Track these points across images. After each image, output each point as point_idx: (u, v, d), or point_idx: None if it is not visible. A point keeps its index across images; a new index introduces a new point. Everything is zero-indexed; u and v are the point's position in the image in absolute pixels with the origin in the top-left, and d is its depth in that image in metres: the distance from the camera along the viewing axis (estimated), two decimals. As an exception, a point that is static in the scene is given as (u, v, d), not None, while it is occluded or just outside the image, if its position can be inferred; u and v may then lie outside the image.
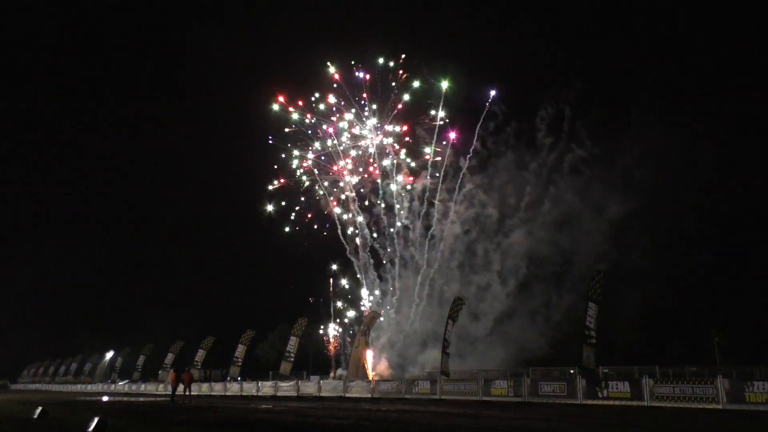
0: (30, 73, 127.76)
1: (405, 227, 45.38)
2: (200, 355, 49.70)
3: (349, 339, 51.61)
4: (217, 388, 41.93)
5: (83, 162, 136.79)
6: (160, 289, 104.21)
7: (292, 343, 41.73)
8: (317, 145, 49.29)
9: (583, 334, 25.39)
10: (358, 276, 49.85)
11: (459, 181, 42.69)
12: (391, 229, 45.95)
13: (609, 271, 28.91)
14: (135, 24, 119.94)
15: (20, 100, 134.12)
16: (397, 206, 45.60)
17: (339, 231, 49.06)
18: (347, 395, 31.77)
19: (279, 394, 36.11)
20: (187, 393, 32.27)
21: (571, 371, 29.40)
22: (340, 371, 46.42)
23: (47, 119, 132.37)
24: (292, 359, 41.39)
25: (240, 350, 45.03)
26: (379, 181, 47.09)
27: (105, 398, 40.62)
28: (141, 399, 38.95)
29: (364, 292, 50.18)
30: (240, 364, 44.91)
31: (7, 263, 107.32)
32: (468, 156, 42.50)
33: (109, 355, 70.37)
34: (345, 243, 48.84)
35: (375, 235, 47.47)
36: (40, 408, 18.42)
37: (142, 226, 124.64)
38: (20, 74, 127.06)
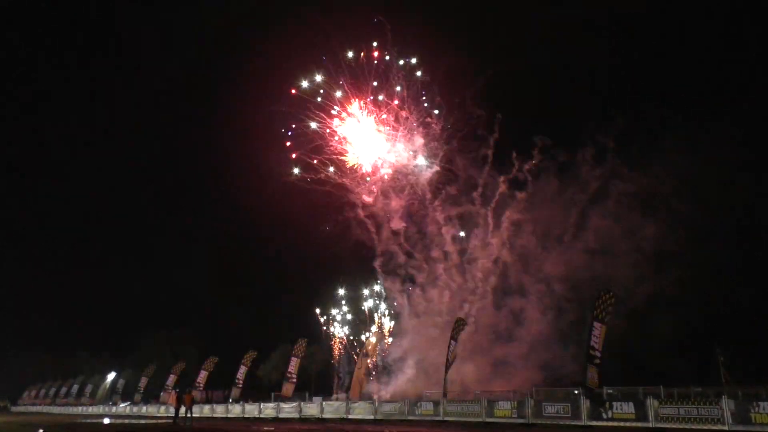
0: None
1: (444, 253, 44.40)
2: (202, 376, 49.42)
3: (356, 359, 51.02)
4: (219, 410, 41.66)
5: (83, 185, 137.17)
6: (162, 310, 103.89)
7: (294, 364, 41.50)
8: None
9: (588, 354, 25.24)
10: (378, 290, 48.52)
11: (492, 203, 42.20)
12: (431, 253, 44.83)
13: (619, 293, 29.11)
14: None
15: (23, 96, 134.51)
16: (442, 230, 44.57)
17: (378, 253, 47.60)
18: (350, 417, 31.55)
19: (281, 415, 35.88)
20: (189, 415, 32.11)
21: (576, 392, 29.17)
22: (342, 395, 46.06)
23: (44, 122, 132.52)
24: (294, 380, 41.12)
25: (242, 371, 44.75)
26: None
27: (106, 420, 40.40)
28: (142, 421, 38.74)
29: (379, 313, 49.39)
30: (241, 385, 44.62)
31: (7, 284, 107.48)
32: (506, 179, 42.09)
33: (111, 376, 70.08)
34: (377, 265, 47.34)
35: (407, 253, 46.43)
36: (41, 430, 18.38)
37: (143, 247, 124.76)
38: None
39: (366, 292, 53.67)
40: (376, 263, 45.23)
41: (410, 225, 44.84)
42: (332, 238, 48.18)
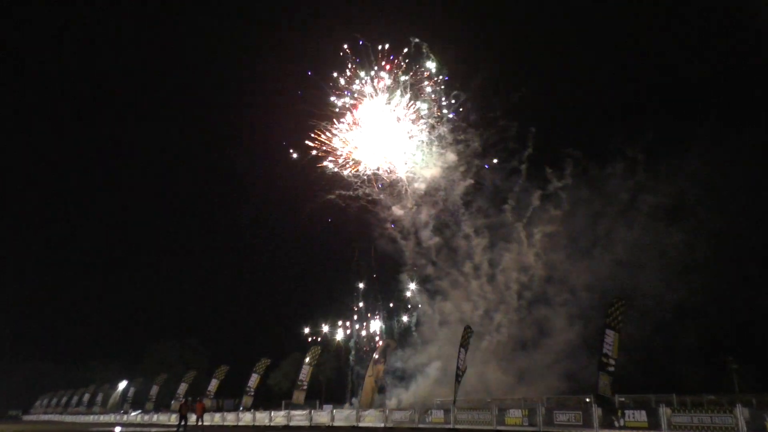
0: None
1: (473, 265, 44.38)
2: (213, 384, 49.52)
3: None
4: (230, 418, 41.71)
5: (94, 197, 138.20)
6: (173, 318, 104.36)
7: (305, 371, 41.53)
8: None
9: (601, 362, 25.13)
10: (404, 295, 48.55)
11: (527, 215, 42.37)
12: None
13: (630, 300, 29.14)
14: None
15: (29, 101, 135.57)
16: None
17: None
18: (360, 425, 31.53)
19: (292, 423, 35.89)
20: (200, 423, 32.26)
21: (587, 400, 29.02)
22: (354, 401, 46.00)
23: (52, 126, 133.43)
24: (305, 388, 41.12)
25: (254, 379, 44.74)
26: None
27: (117, 429, 40.60)
28: (153, 430, 38.90)
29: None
30: (252, 393, 44.64)
31: (20, 295, 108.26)
32: (536, 190, 42.22)
33: (122, 385, 70.28)
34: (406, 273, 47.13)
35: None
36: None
37: (154, 257, 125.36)
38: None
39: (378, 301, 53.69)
40: (404, 273, 45.53)
41: (439, 235, 45.14)
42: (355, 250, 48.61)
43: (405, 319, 50.30)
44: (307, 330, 58.66)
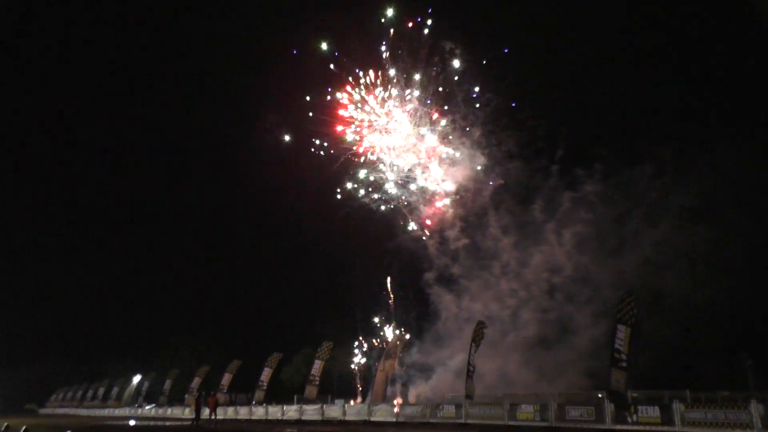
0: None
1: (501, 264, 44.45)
2: (226, 378, 49.85)
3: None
4: (243, 412, 42.04)
5: (107, 193, 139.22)
6: (186, 314, 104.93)
7: (317, 366, 41.67)
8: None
9: (613, 357, 25.02)
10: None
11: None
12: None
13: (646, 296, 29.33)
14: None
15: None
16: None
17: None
18: (372, 419, 31.64)
19: (304, 417, 36.11)
20: (213, 417, 32.53)
21: (600, 395, 28.94)
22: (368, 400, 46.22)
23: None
24: (317, 383, 41.28)
25: (266, 373, 44.96)
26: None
27: (132, 422, 41.05)
28: (167, 423, 39.32)
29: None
30: (265, 388, 44.89)
31: (35, 291, 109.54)
32: (565, 190, 42.22)
33: (136, 379, 70.95)
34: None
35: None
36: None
37: (167, 252, 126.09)
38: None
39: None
40: (429, 276, 45.60)
41: (466, 234, 45.16)
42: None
43: (426, 314, 50.35)
44: (318, 325, 58.99)
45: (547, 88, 44.86)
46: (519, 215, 43.32)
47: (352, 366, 58.68)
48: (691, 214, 37.55)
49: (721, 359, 38.86)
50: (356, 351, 58.76)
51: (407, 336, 50.92)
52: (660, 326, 36.23)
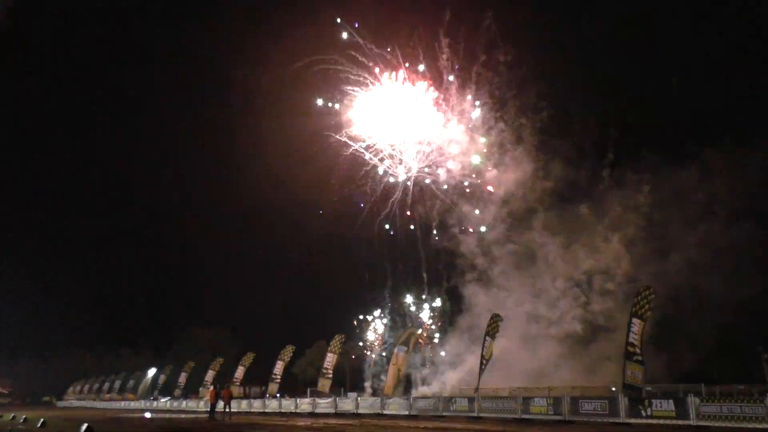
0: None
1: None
2: (240, 371, 50.22)
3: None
4: (256, 405, 42.30)
5: (123, 186, 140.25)
6: (201, 307, 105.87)
7: (330, 359, 41.84)
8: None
9: (627, 351, 24.90)
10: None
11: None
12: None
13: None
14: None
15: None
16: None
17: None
18: (384, 412, 31.70)
19: (317, 410, 36.26)
20: (227, 410, 32.76)
21: (613, 389, 28.79)
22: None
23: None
24: (330, 376, 41.46)
25: (279, 366, 45.26)
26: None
27: (147, 415, 41.42)
28: (182, 416, 39.64)
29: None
30: (278, 380, 45.17)
31: (53, 286, 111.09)
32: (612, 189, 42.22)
33: (152, 372, 71.74)
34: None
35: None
36: (85, 425, 18.85)
37: (182, 247, 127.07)
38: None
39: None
40: (467, 277, 45.41)
41: (507, 233, 44.87)
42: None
43: (459, 308, 50.23)
44: (332, 318, 59.20)
45: (596, 91, 44.41)
46: (565, 215, 43.34)
47: (371, 354, 58.63)
48: (737, 216, 37.56)
49: (736, 353, 38.70)
50: (369, 343, 58.90)
51: (435, 328, 51.23)
52: (703, 324, 36.24)
